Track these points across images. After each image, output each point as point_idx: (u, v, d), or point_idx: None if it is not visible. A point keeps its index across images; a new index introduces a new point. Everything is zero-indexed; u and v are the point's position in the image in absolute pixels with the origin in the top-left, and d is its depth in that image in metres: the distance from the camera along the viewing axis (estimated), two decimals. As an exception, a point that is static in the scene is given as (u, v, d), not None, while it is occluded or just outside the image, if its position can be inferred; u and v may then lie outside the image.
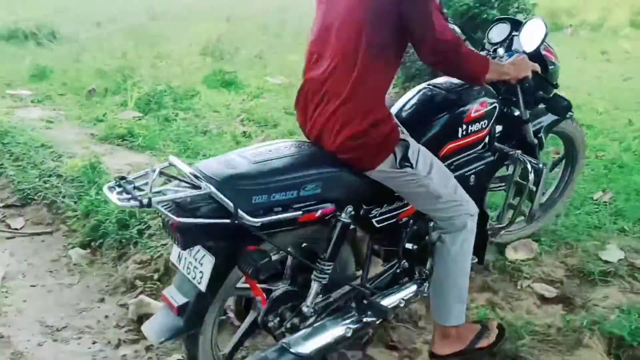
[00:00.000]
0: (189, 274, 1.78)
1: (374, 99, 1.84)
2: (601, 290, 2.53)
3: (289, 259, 2.02)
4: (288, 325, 1.96)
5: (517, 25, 2.40)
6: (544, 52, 2.38)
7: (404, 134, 1.93)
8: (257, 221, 1.65)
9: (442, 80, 2.23)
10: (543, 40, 2.28)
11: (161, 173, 1.63)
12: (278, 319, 1.97)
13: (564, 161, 2.95)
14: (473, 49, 2.08)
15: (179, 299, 1.79)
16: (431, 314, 2.18)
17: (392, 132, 1.87)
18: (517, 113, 2.35)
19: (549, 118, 2.58)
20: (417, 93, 2.22)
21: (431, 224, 2.13)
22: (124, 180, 1.59)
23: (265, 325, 1.98)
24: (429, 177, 1.92)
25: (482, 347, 2.17)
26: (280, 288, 2.00)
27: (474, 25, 4.09)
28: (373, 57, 1.78)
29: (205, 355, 1.90)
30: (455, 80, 2.18)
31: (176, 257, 1.85)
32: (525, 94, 2.28)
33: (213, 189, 1.61)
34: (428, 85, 2.24)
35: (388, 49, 1.81)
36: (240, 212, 1.61)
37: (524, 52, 2.28)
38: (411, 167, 1.88)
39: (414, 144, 1.92)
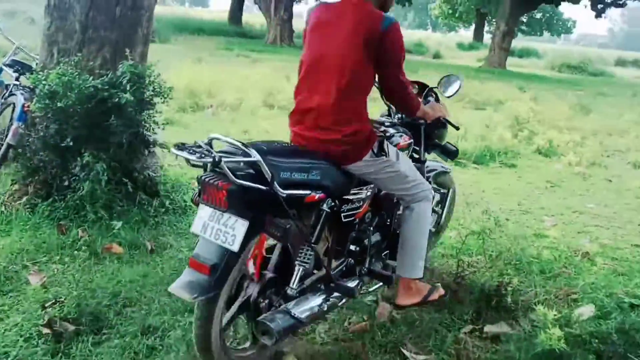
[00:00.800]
0: (217, 239, 2.07)
1: (357, 112, 2.46)
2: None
3: (275, 254, 2.41)
4: (277, 305, 2.32)
5: (428, 90, 3.14)
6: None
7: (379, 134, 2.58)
8: (285, 192, 2.09)
9: (380, 119, 3.04)
10: (459, 88, 3.11)
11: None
12: (267, 300, 2.33)
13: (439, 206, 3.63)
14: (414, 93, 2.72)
15: (209, 261, 2.06)
16: (397, 270, 2.73)
17: (372, 132, 2.51)
18: (416, 156, 3.07)
19: (437, 169, 3.37)
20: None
21: (370, 228, 2.76)
22: (186, 145, 1.98)
23: (257, 305, 2.31)
24: (398, 162, 2.57)
25: (433, 299, 2.81)
26: (267, 276, 2.35)
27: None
28: (353, 84, 2.39)
29: (217, 319, 2.14)
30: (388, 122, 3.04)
31: (200, 227, 2.11)
32: (426, 138, 3.05)
33: (260, 158, 2.01)
34: (377, 120, 2.98)
35: (365, 78, 2.44)
36: (275, 182, 2.04)
37: (446, 96, 3.16)
38: (386, 155, 2.50)
39: (385, 141, 2.54)
